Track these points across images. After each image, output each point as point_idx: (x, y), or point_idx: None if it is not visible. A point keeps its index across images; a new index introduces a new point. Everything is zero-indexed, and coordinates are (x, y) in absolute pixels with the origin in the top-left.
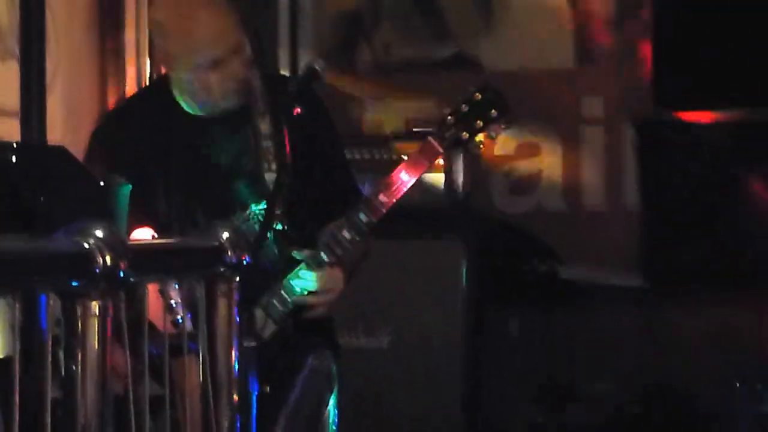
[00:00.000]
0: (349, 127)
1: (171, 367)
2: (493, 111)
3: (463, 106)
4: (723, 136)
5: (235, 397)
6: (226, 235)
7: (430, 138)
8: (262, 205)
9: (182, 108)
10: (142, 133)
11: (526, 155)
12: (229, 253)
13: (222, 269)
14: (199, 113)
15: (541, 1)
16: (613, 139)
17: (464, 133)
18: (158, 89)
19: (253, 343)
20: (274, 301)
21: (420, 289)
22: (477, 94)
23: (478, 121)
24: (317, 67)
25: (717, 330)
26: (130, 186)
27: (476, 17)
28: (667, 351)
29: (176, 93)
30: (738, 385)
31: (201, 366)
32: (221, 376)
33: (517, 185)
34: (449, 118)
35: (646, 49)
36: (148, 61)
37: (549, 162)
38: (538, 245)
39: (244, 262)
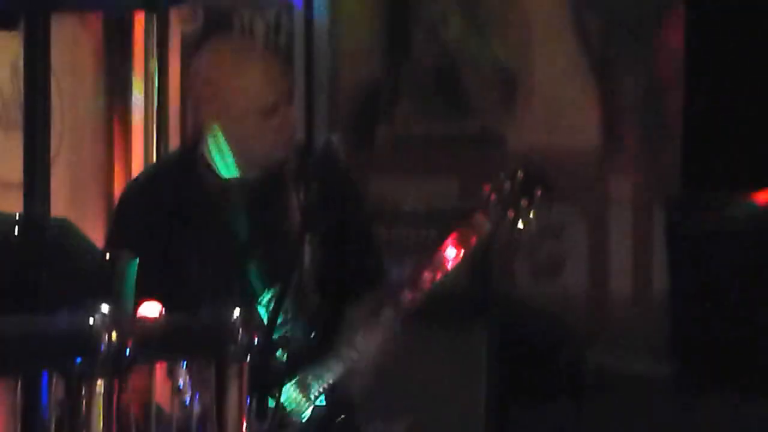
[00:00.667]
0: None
1: None
2: (538, 190)
3: (506, 183)
4: (756, 217)
5: None
6: (237, 313)
7: (478, 215)
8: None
9: (214, 174)
10: (169, 204)
11: (551, 236)
12: (241, 332)
13: (233, 349)
14: (234, 174)
15: (568, 77)
16: (642, 220)
17: (510, 211)
18: (188, 159)
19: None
20: (310, 380)
21: (440, 378)
22: (520, 172)
23: (524, 200)
24: (334, 142)
25: (752, 424)
26: (137, 260)
27: (500, 94)
28: None
29: (213, 155)
30: None
31: None
32: None
33: (540, 268)
34: (493, 196)
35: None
36: (154, 132)
37: (574, 244)
38: (564, 333)
39: (256, 343)
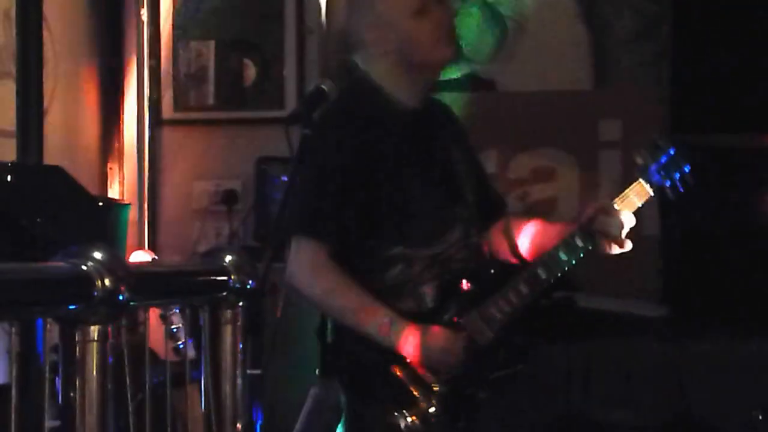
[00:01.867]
0: None
1: (173, 396)
2: (686, 165)
3: (662, 155)
4: (743, 160)
5: (239, 426)
6: (229, 258)
7: (641, 181)
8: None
9: (403, 103)
10: (378, 129)
11: (542, 179)
12: (233, 277)
13: (226, 294)
14: (415, 104)
15: (558, 22)
16: (632, 163)
17: (668, 181)
18: (366, 89)
19: (257, 371)
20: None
21: None
22: (671, 147)
23: (677, 173)
24: (325, 88)
25: (739, 360)
26: (129, 206)
27: (490, 38)
28: (687, 380)
29: (395, 88)
30: (760, 417)
31: (204, 395)
32: (225, 405)
33: (532, 210)
34: (652, 164)
35: (666, 71)
36: (146, 80)
37: (565, 186)
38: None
39: (249, 287)
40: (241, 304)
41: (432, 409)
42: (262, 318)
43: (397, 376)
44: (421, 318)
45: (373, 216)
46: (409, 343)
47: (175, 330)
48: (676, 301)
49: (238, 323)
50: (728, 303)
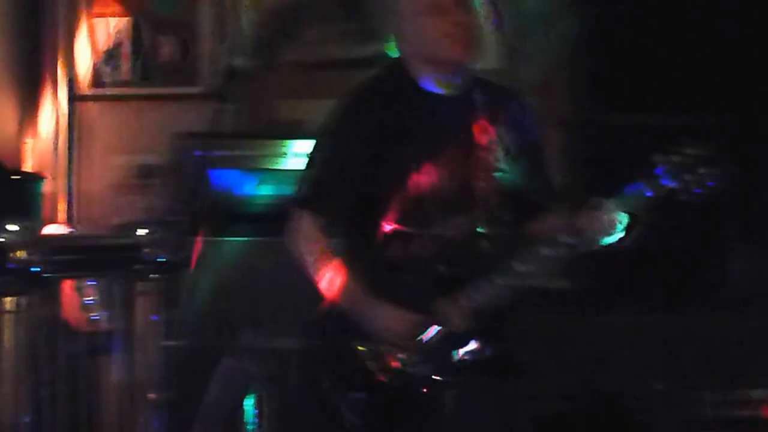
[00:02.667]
0: (271, 123)
1: (88, 367)
2: (701, 170)
3: (675, 157)
4: (653, 140)
5: (152, 396)
6: (144, 231)
7: (640, 182)
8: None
9: (424, 87)
10: (390, 107)
11: None
12: (148, 250)
13: (140, 267)
14: (439, 89)
15: None
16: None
17: (675, 182)
18: (398, 72)
19: (171, 342)
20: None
21: None
22: (697, 152)
23: (687, 176)
24: (238, 65)
25: (638, 331)
26: (44, 179)
27: None
28: (588, 351)
29: (418, 72)
30: (658, 387)
31: (118, 366)
32: (139, 376)
33: None
34: (661, 166)
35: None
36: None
37: None
38: None
39: (163, 260)
40: (155, 276)
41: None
42: (177, 290)
43: (358, 350)
44: (414, 299)
45: (376, 193)
46: (365, 319)
47: (89, 302)
48: (578, 274)
49: (153, 296)
50: (630, 276)
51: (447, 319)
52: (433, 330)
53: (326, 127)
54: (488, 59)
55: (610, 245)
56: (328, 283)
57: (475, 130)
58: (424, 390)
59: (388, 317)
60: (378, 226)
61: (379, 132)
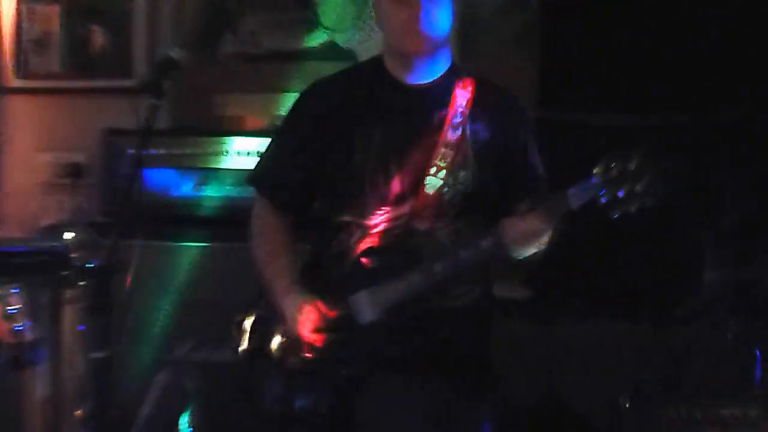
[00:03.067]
0: (210, 119)
1: (10, 380)
2: (639, 185)
3: (614, 168)
4: (611, 140)
5: (79, 413)
6: (71, 235)
7: (569, 193)
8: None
9: (393, 78)
10: (352, 95)
11: None
12: (75, 255)
13: (67, 273)
14: (408, 81)
15: None
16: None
17: (604, 198)
18: (373, 64)
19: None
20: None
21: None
22: (634, 161)
23: (621, 191)
24: (174, 56)
25: (606, 344)
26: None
27: (351, 8)
28: (552, 365)
29: (389, 63)
30: (625, 405)
31: (43, 380)
32: (65, 390)
33: None
34: (595, 177)
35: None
36: None
37: None
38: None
39: (92, 265)
40: (83, 283)
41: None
42: (108, 298)
43: (282, 341)
44: (336, 290)
45: (324, 181)
46: (283, 309)
47: (12, 311)
48: (542, 283)
49: (81, 304)
50: (594, 285)
51: (357, 312)
52: (343, 322)
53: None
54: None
55: (531, 256)
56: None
57: (442, 124)
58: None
59: (296, 308)
60: (329, 215)
61: (329, 121)
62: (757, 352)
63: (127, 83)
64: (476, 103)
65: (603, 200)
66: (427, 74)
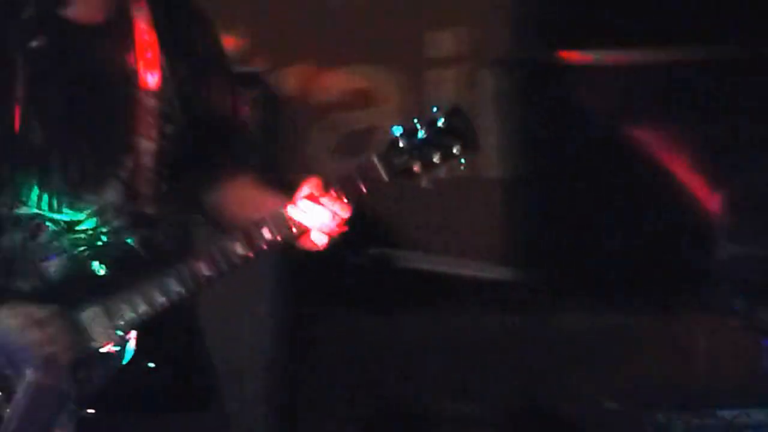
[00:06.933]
0: None
1: None
2: (456, 146)
3: (422, 130)
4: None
5: None
6: None
7: (374, 160)
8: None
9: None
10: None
11: (357, 105)
12: None
13: None
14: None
15: None
16: (468, 84)
17: (416, 164)
18: None
19: None
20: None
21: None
22: (442, 119)
23: (436, 154)
24: None
25: (593, 337)
26: None
27: None
28: (533, 361)
29: None
30: (606, 407)
31: None
32: None
33: (345, 144)
34: (402, 141)
35: None
36: None
37: (385, 114)
38: (369, 225)
39: None
40: None
41: None
42: None
43: None
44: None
45: None
46: None
47: None
48: (521, 262)
49: None
50: (581, 267)
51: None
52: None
53: None
54: None
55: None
56: None
57: (134, 67)
58: None
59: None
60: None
61: None
62: (765, 342)
63: None
64: (162, 26)
65: (417, 169)
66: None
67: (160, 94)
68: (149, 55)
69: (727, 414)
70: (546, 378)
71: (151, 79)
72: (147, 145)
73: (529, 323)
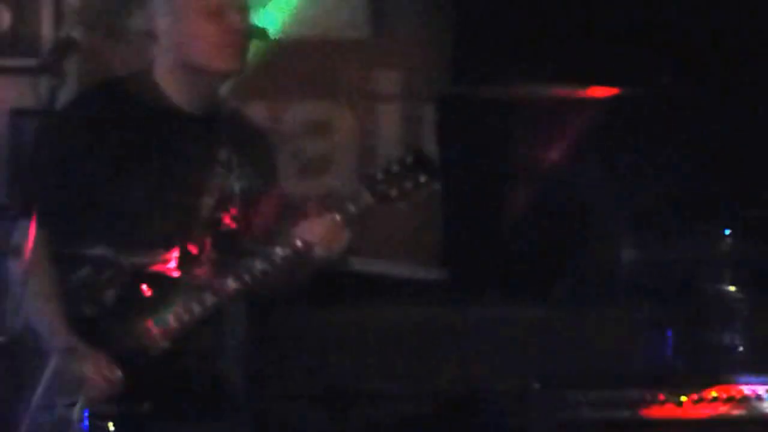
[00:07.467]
0: None
1: None
2: (422, 177)
3: (395, 166)
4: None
5: None
6: None
7: (362, 189)
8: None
9: (167, 101)
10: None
11: (315, 134)
12: None
13: None
14: (186, 106)
15: None
16: (412, 116)
17: (393, 191)
18: (141, 82)
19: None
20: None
21: None
22: (410, 157)
23: (408, 183)
24: (76, 36)
25: (516, 327)
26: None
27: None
28: (464, 348)
29: (166, 82)
30: (536, 388)
31: None
32: None
33: (306, 168)
34: (379, 175)
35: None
36: None
37: (341, 142)
38: None
39: None
40: None
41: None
42: (3, 282)
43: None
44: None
45: (80, 210)
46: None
47: None
48: (457, 264)
49: None
50: (509, 265)
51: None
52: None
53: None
54: (352, 28)
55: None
56: None
57: (211, 154)
58: None
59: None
60: (75, 245)
61: (95, 146)
62: (669, 333)
63: (34, 62)
64: (237, 133)
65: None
66: (210, 96)
67: (223, 179)
68: (219, 147)
69: (635, 392)
70: (468, 362)
71: (217, 166)
72: (207, 216)
73: (457, 315)
